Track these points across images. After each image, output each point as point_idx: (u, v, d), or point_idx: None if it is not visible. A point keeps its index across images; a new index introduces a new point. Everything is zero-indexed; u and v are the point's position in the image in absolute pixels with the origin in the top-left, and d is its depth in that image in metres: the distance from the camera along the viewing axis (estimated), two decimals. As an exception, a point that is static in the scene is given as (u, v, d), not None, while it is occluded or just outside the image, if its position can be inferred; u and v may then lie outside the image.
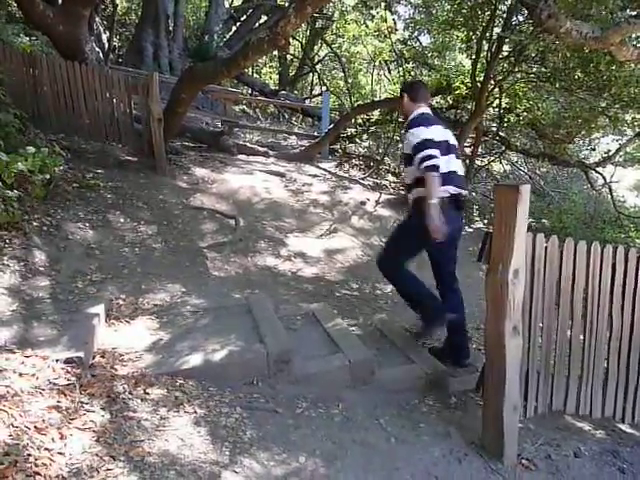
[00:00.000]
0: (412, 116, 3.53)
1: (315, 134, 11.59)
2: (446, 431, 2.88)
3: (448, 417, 3.04)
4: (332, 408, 2.89)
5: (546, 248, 2.70)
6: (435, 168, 3.28)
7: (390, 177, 10.07)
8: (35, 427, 2.10)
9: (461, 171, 3.60)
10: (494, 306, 2.58)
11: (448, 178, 3.38)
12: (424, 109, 3.56)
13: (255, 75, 18.26)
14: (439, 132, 3.43)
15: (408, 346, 3.78)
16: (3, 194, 3.97)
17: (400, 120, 10.14)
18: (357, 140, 11.13)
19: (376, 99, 14.21)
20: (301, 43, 18.04)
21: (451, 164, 3.44)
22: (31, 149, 4.40)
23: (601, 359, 2.92)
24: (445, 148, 3.41)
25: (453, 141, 3.56)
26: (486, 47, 7.86)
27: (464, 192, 3.53)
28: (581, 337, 2.87)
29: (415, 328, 4.02)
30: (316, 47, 19.11)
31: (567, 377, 2.91)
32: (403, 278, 3.73)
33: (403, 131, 3.91)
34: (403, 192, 8.52)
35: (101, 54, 11.27)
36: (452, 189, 3.41)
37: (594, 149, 10.85)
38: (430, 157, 3.29)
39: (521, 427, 2.86)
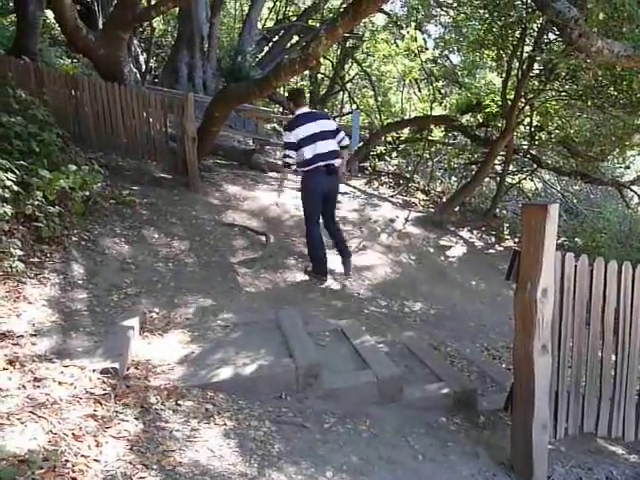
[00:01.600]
0: (292, 118, 5.18)
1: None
2: (474, 450, 2.86)
3: (476, 436, 3.02)
4: (360, 424, 2.90)
5: (576, 267, 2.69)
6: (287, 165, 5.16)
7: (419, 195, 10.08)
8: (73, 434, 2.18)
9: (331, 148, 5.06)
10: (523, 324, 2.58)
11: (318, 157, 4.98)
12: (302, 110, 5.13)
13: (286, 94, 18.54)
14: (307, 129, 4.95)
15: (436, 364, 3.77)
16: (45, 210, 4.14)
17: (429, 138, 10.19)
18: (387, 158, 11.19)
19: (406, 117, 14.27)
20: (332, 62, 18.28)
21: (318, 148, 4.96)
22: (72, 167, 4.58)
23: (634, 380, 2.87)
24: (311, 139, 4.94)
25: (325, 128, 5.05)
26: (517, 65, 7.84)
27: (334, 162, 5.08)
28: (613, 357, 2.83)
29: (308, 267, 5.46)
30: (346, 66, 19.32)
31: (599, 398, 2.86)
32: (310, 232, 5.23)
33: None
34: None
35: (138, 75, 11.66)
36: (322, 163, 4.99)
37: (628, 167, 10.64)
38: (285, 156, 5.09)
39: (552, 449, 2.83)
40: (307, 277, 5.35)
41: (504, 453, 2.81)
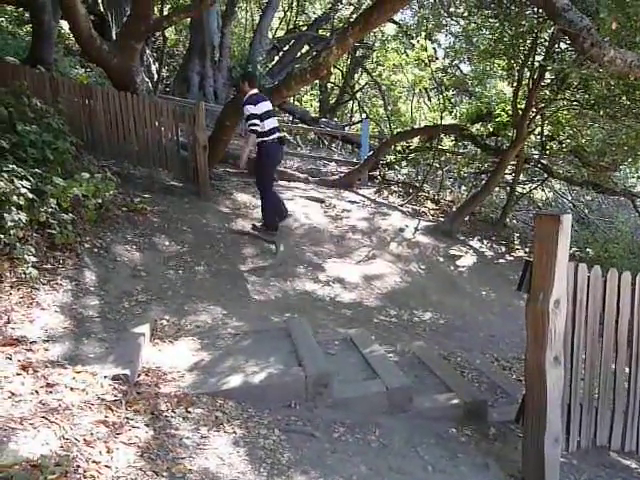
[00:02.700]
0: (247, 96, 5.98)
1: (355, 161, 11.71)
2: (485, 462, 2.84)
3: (487, 448, 2.99)
4: (369, 434, 2.89)
5: (589, 278, 2.67)
6: (254, 131, 5.87)
7: (429, 204, 10.06)
8: (84, 440, 2.20)
9: (278, 123, 6.22)
10: (535, 336, 2.56)
11: (275, 129, 6.05)
12: (254, 91, 6.03)
13: (296, 103, 18.64)
14: (263, 106, 5.91)
15: (446, 374, 3.75)
16: (59, 217, 4.18)
17: (439, 148, 10.19)
18: (396, 167, 11.18)
19: (415, 126, 14.29)
20: (342, 71, 18.35)
21: (272, 123, 6.02)
22: (86, 175, 4.63)
23: (648, 393, 2.84)
24: (267, 115, 5.93)
25: (272, 108, 6.13)
26: (528, 75, 7.83)
27: (282, 134, 6.33)
28: (626, 369, 2.80)
29: (258, 226, 6.34)
30: (356, 75, 19.41)
31: (612, 411, 2.83)
32: (269, 194, 6.26)
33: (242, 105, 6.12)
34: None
35: (150, 84, 11.77)
36: (278, 134, 6.08)
37: (641, 177, 10.56)
38: (253, 124, 5.83)
39: (564, 462, 2.80)
40: (256, 232, 6.21)
41: (515, 465, 2.78)
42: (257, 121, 5.83)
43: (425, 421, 3.18)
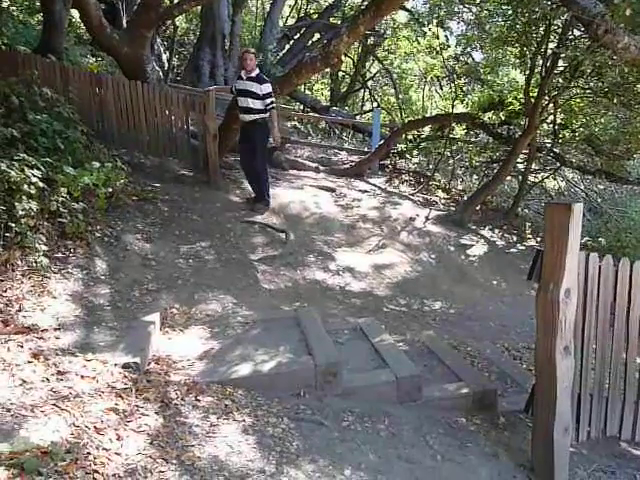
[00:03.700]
0: (259, 73, 6.18)
1: (365, 150, 11.65)
2: (494, 452, 2.83)
3: (496, 437, 2.99)
4: (378, 423, 2.89)
5: (600, 267, 2.64)
6: (273, 108, 6.16)
7: (440, 193, 9.99)
8: (94, 427, 2.22)
9: None
10: (545, 325, 2.54)
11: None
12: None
13: (307, 91, 18.54)
14: None
15: (456, 364, 3.74)
16: (70, 206, 4.21)
17: (450, 136, 10.10)
18: (407, 156, 11.11)
19: (427, 115, 14.16)
20: (353, 60, 18.23)
21: None
22: (96, 164, 4.64)
23: (659, 384, 2.81)
24: None
25: None
26: (540, 63, 7.72)
27: None
28: (637, 360, 2.78)
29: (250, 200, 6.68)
30: (368, 64, 19.24)
31: (622, 402, 2.81)
32: (265, 172, 6.62)
33: (247, 79, 6.15)
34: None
35: (161, 73, 11.74)
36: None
37: (655, 166, 10.39)
38: (273, 102, 6.13)
39: (573, 452, 2.79)
40: (251, 208, 6.46)
41: (524, 455, 2.77)
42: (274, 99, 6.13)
43: (434, 410, 3.18)
